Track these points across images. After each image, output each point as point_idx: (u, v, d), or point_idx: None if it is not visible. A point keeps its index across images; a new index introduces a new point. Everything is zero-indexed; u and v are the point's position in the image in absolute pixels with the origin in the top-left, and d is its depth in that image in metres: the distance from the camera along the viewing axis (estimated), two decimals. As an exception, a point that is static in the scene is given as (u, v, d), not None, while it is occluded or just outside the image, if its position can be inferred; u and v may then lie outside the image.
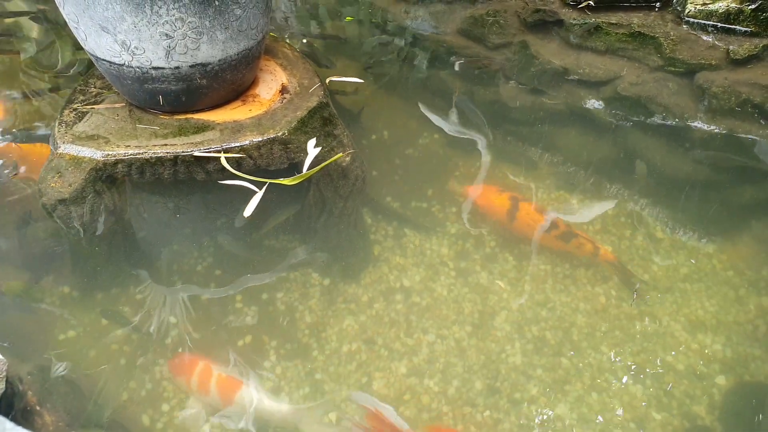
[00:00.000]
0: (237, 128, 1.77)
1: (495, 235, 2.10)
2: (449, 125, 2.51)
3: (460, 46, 2.60)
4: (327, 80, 2.08)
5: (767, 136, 2.05)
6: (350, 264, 2.04)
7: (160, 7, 1.54)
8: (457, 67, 2.60)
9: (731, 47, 2.04)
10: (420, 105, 2.59)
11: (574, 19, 2.26)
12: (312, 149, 1.73)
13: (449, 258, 2.08)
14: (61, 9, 1.63)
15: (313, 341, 1.84)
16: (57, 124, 1.78)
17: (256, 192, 1.69)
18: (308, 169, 1.73)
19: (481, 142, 2.48)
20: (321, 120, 1.86)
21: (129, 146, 1.71)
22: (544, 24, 2.35)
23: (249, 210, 1.64)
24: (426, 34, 2.72)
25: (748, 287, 1.95)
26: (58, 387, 1.67)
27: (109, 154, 1.69)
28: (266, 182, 1.70)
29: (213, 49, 1.67)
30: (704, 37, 2.10)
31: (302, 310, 1.91)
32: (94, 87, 1.94)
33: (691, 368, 1.75)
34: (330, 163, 1.79)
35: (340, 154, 1.79)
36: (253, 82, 1.95)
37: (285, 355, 1.80)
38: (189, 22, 1.59)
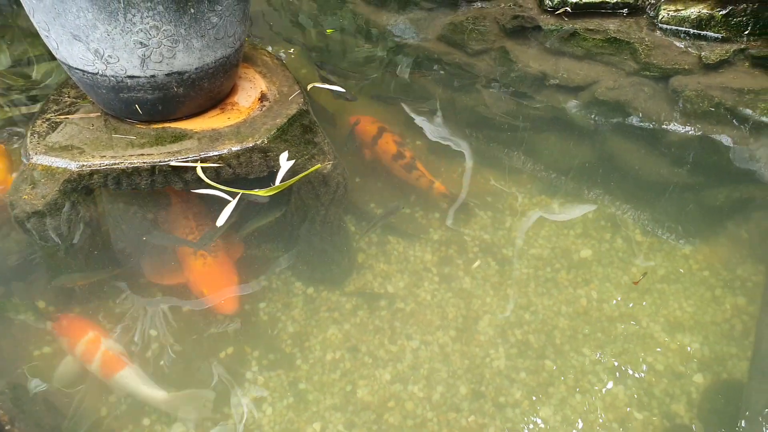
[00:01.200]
0: (215, 137, 1.75)
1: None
2: (432, 131, 2.52)
3: (441, 53, 2.62)
4: (308, 87, 2.08)
5: (740, 138, 2.10)
6: (334, 272, 2.03)
7: (134, 15, 1.51)
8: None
9: (703, 52, 2.09)
10: (404, 106, 2.59)
11: (552, 25, 2.29)
12: (285, 162, 1.72)
13: (432, 264, 2.08)
14: (31, 17, 1.59)
15: (297, 351, 1.82)
16: (29, 134, 1.74)
17: (234, 201, 1.67)
18: (283, 180, 1.71)
19: (463, 148, 2.49)
20: (301, 128, 1.84)
21: (104, 156, 1.68)
22: (523, 30, 2.38)
23: (222, 220, 1.63)
24: (407, 41, 2.73)
25: (723, 287, 2.00)
26: (32, 405, 1.62)
27: (84, 165, 1.65)
28: (239, 192, 1.68)
29: (189, 57, 1.65)
30: (677, 43, 2.14)
31: (285, 320, 1.90)
32: (68, 96, 1.90)
33: (670, 368, 1.78)
34: (308, 174, 1.78)
35: (318, 165, 1.78)
36: (232, 90, 1.93)
37: (268, 365, 1.79)
38: (164, 30, 1.57)
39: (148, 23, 1.54)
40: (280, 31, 3.06)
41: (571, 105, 2.36)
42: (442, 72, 2.63)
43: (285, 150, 1.78)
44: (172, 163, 1.69)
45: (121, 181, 1.69)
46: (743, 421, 1.58)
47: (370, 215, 2.21)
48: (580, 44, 2.26)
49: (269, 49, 2.34)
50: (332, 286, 1.99)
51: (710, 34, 2.10)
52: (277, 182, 1.70)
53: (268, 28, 3.09)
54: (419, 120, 2.57)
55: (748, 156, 2.09)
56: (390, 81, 2.70)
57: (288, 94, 1.92)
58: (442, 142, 2.51)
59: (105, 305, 1.86)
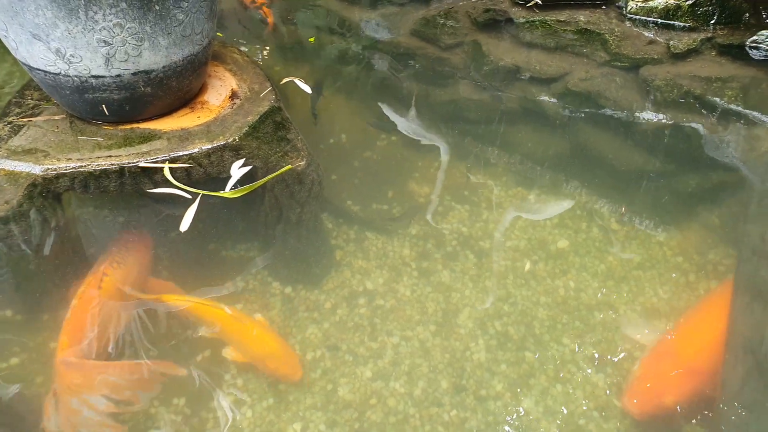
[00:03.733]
0: (185, 136, 1.71)
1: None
2: (407, 126, 2.51)
3: (414, 48, 2.61)
4: (283, 81, 2.05)
5: (709, 126, 2.13)
6: (311, 270, 2.01)
7: (96, 13, 1.47)
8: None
9: (671, 42, 2.11)
10: (380, 105, 2.58)
11: (524, 17, 2.29)
12: (236, 170, 1.67)
13: (411, 259, 2.07)
14: (-12, 17, 1.54)
15: (276, 351, 1.80)
16: (-10, 138, 1.68)
17: (210, 201, 1.63)
18: (235, 186, 1.66)
19: (439, 143, 2.49)
20: (273, 125, 1.82)
21: (71, 159, 1.63)
22: (495, 23, 2.38)
23: (185, 224, 1.56)
24: (380, 37, 2.72)
25: (697, 272, 2.03)
26: (1, 416, 1.58)
27: (49, 169, 1.60)
28: (200, 193, 1.63)
29: (156, 55, 1.62)
30: (646, 33, 2.16)
31: (263, 321, 1.87)
32: (31, 99, 1.84)
33: (649, 354, 1.80)
34: (278, 175, 1.74)
35: (288, 166, 1.75)
36: (202, 89, 1.90)
37: (246, 367, 1.76)
38: (128, 27, 1.53)
39: (111, 21, 1.50)
40: (251, 29, 3.03)
41: (545, 97, 2.37)
42: (417, 66, 2.62)
43: (257, 148, 1.75)
44: (141, 164, 1.65)
45: (89, 184, 1.65)
46: (717, 402, 1.60)
47: (347, 212, 2.19)
48: (552, 36, 2.27)
49: (242, 48, 2.31)
50: (310, 285, 1.97)
51: (678, 23, 2.13)
52: (227, 189, 1.66)
53: (240, 27, 3.06)
54: (394, 115, 2.57)
55: (717, 143, 2.12)
56: (366, 78, 2.69)
57: (259, 91, 1.89)
58: (417, 137, 2.50)
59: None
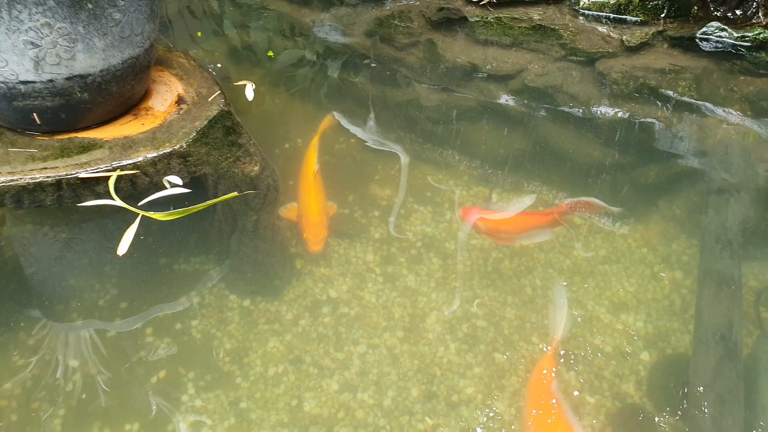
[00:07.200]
0: (128, 144, 1.61)
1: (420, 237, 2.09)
2: (365, 129, 2.46)
3: (368, 49, 2.57)
4: (237, 83, 1.96)
5: (664, 117, 2.15)
6: (271, 281, 1.92)
7: (21, 12, 1.36)
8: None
9: (625, 36, 2.14)
10: (336, 115, 2.52)
11: (477, 15, 2.29)
12: (169, 185, 1.56)
13: (375, 264, 2.01)
14: None
15: (236, 368, 1.70)
16: None
17: (135, 224, 1.50)
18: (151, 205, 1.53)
19: (398, 144, 2.45)
20: (223, 129, 1.74)
21: (0, 173, 1.51)
22: (449, 22, 2.37)
23: (123, 248, 1.42)
24: (334, 39, 2.67)
25: (661, 263, 2.03)
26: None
27: (-24, 184, 1.48)
28: (139, 213, 1.50)
29: (92, 58, 1.51)
30: (600, 28, 2.19)
31: (221, 337, 1.77)
32: (-44, 109, 1.71)
33: (618, 348, 1.78)
34: (224, 200, 1.63)
35: (234, 193, 1.63)
36: (146, 95, 1.80)
37: (205, 386, 1.66)
38: (58, 28, 1.43)
39: (38, 20, 1.39)
40: (202, 39, 2.94)
41: (502, 94, 2.36)
42: (373, 66, 2.57)
43: (207, 154, 1.66)
44: (81, 175, 1.54)
45: (22, 198, 1.53)
46: (691, 393, 1.59)
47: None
48: (507, 33, 2.27)
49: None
50: (270, 296, 1.89)
51: (630, 18, 2.16)
52: (142, 202, 1.53)
53: (189, 37, 2.96)
54: (352, 119, 2.51)
55: (672, 134, 2.15)
56: (321, 81, 2.62)
57: (207, 95, 1.80)
58: (376, 139, 2.46)
59: (15, 338, 1.68)
